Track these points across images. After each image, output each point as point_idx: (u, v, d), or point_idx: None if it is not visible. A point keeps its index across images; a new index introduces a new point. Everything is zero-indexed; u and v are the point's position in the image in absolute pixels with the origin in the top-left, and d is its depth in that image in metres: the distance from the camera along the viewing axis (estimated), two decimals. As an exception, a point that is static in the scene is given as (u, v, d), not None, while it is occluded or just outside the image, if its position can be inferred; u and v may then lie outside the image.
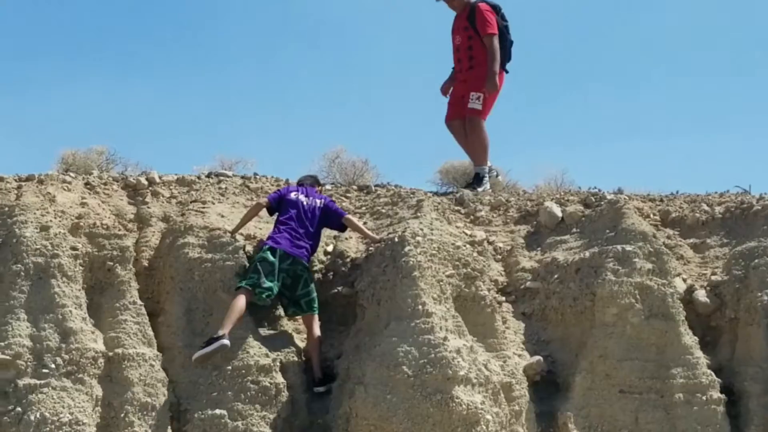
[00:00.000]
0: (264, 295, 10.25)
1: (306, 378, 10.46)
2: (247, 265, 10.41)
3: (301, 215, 10.63)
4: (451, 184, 13.26)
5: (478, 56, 12.82)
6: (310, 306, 10.52)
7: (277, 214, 10.75)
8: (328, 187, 12.18)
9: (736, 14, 36.29)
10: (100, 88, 32.69)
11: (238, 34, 36.05)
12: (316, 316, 10.56)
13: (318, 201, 10.85)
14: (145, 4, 35.52)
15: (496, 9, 12.87)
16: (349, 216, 10.99)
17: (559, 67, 35.48)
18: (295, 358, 10.41)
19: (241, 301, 10.05)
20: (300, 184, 11.14)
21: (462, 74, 12.91)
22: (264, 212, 10.90)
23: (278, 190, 11.01)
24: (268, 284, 10.24)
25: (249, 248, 10.69)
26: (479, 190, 12.57)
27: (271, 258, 10.34)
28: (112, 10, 34.60)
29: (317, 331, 10.55)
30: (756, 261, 11.22)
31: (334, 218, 10.81)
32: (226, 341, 9.86)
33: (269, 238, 10.55)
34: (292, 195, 10.77)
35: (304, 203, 10.72)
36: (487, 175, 12.84)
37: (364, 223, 11.28)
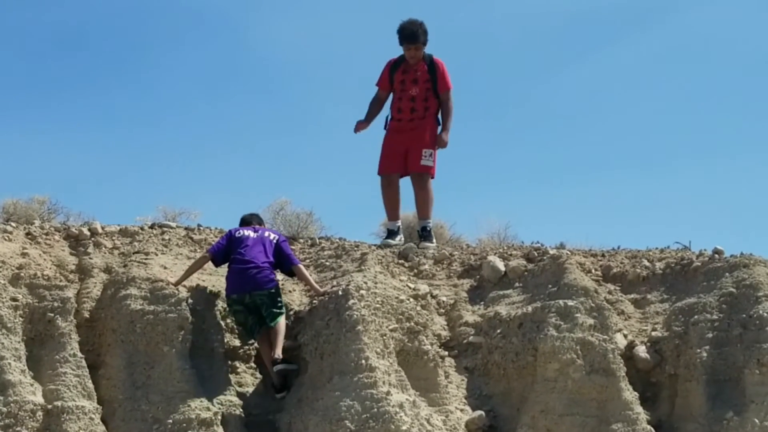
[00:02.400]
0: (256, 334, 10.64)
1: (247, 431, 10.38)
2: (190, 317, 10.36)
3: (248, 247, 10.67)
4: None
5: (432, 110, 12.87)
6: (272, 320, 10.57)
7: (229, 261, 10.76)
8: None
9: (677, 60, 36.87)
10: (42, 137, 32.47)
11: (183, 83, 36.03)
12: (281, 322, 10.62)
13: (271, 234, 10.94)
14: (85, 52, 35.48)
15: None
16: (301, 266, 10.99)
17: (500, 117, 35.80)
18: (237, 412, 10.35)
19: None
20: (246, 223, 11.14)
21: (408, 124, 12.84)
22: (209, 264, 10.88)
23: (221, 239, 10.94)
24: (251, 324, 10.60)
25: (192, 300, 10.61)
26: (433, 244, 12.60)
27: (235, 306, 10.60)
28: (51, 55, 34.52)
29: (281, 328, 10.58)
30: (695, 317, 11.27)
31: (285, 262, 10.83)
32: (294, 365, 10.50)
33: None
34: (237, 234, 10.82)
35: (252, 236, 10.78)
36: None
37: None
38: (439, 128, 12.95)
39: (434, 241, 12.77)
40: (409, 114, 12.84)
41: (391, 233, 12.77)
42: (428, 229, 12.80)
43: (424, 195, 12.83)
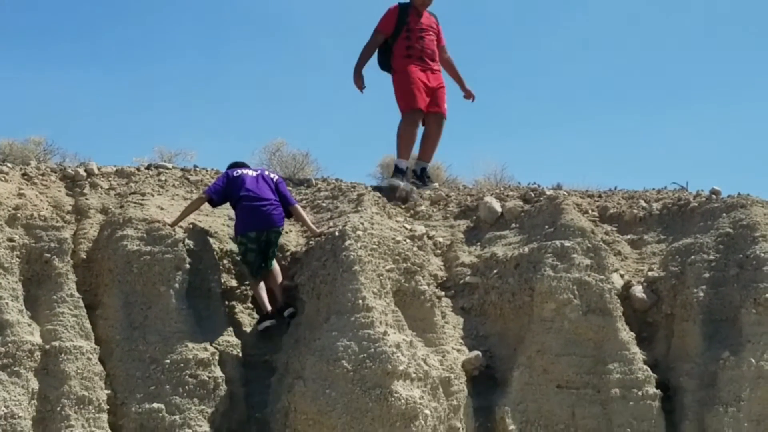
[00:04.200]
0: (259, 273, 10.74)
1: (245, 371, 10.45)
2: (187, 258, 10.36)
3: (254, 184, 10.72)
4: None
5: (438, 59, 12.96)
6: (272, 260, 10.73)
7: (228, 201, 10.80)
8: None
9: (676, 6, 36.65)
10: (38, 77, 32.47)
11: (179, 25, 35.96)
12: (275, 266, 10.78)
13: (270, 174, 10.98)
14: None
15: None
16: (298, 206, 11.02)
17: (499, 62, 35.70)
18: (234, 352, 10.40)
19: None
20: (236, 166, 11.13)
21: (430, 74, 12.87)
22: (206, 204, 10.90)
23: (219, 180, 10.92)
24: (257, 264, 10.68)
25: (189, 241, 10.60)
26: (435, 184, 12.65)
27: (251, 246, 10.59)
28: (51, 0, 34.36)
29: (277, 270, 10.74)
30: (692, 257, 11.35)
31: (283, 202, 10.83)
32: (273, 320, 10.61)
33: (237, 226, 10.73)
34: (235, 173, 10.84)
35: (252, 174, 10.83)
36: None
37: (306, 216, 11.27)
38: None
39: (432, 181, 12.86)
40: (428, 63, 12.89)
41: (400, 171, 12.71)
42: (426, 170, 12.84)
43: (437, 138, 12.95)
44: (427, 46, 12.88)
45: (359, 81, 12.99)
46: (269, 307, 10.58)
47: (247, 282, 10.86)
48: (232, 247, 10.92)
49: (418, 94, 12.73)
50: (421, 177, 12.76)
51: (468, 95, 13.24)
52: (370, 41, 12.98)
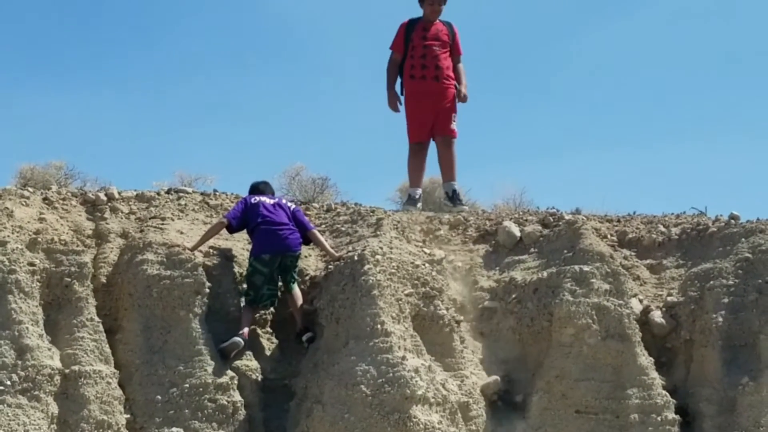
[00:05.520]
0: (268, 302, 10.66)
1: (264, 396, 10.43)
2: (206, 282, 10.37)
3: (272, 211, 10.72)
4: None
5: (451, 69, 12.92)
6: (293, 283, 10.73)
7: (246, 228, 10.80)
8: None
9: (690, 33, 36.63)
10: (59, 102, 32.61)
11: (200, 50, 36.05)
12: (296, 289, 10.75)
13: (287, 203, 11.01)
14: (107, 21, 35.46)
15: None
16: (316, 231, 11.02)
17: (517, 84, 35.73)
18: (253, 376, 10.38)
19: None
20: (258, 191, 11.15)
21: (434, 83, 12.86)
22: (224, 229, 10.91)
23: (238, 205, 10.93)
24: (268, 292, 10.56)
25: (208, 264, 10.63)
26: (466, 207, 12.70)
27: (261, 268, 10.54)
28: (72, 25, 34.52)
29: (297, 293, 10.72)
30: (711, 283, 11.30)
31: (300, 228, 10.83)
32: (238, 339, 10.35)
33: (252, 249, 10.70)
34: (253, 200, 10.84)
35: (269, 202, 10.82)
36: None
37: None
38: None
39: (464, 201, 12.86)
40: (434, 71, 12.84)
41: (413, 199, 12.81)
42: (457, 190, 12.83)
43: (451, 157, 12.97)
44: (432, 59, 12.86)
45: (393, 101, 13.06)
46: (245, 332, 10.46)
47: (264, 305, 10.78)
48: (252, 271, 10.93)
49: (412, 130, 12.91)
50: (452, 198, 12.79)
51: (463, 98, 13.15)
52: (389, 61, 13.07)
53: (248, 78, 35.59)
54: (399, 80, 13.02)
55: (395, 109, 13.03)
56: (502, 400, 10.77)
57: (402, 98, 12.98)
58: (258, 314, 10.86)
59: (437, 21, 12.92)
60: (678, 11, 36.38)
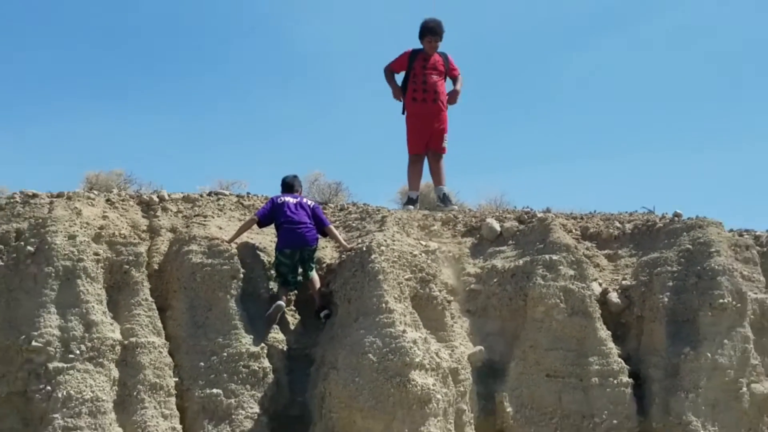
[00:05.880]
0: (293, 287, 10.68)
1: (289, 363, 10.42)
2: (240, 269, 10.35)
3: (292, 210, 10.66)
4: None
5: (445, 95, 12.84)
6: (311, 272, 10.65)
7: (273, 223, 10.76)
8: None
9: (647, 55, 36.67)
10: (120, 120, 32.74)
11: (235, 76, 36.25)
12: (315, 275, 10.68)
13: (308, 201, 10.93)
14: (159, 55, 35.73)
15: None
16: (332, 227, 10.98)
17: (500, 101, 35.96)
18: (280, 347, 10.38)
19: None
20: (288, 186, 11.12)
21: (432, 105, 12.75)
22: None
23: (265, 205, 10.90)
24: (293, 280, 10.60)
25: (242, 254, 10.58)
26: (456, 207, 12.63)
27: (284, 260, 10.52)
28: (131, 58, 34.72)
29: (316, 279, 10.67)
30: (658, 269, 11.33)
31: (319, 224, 10.78)
32: (280, 302, 10.40)
33: (277, 244, 10.66)
34: (279, 201, 10.80)
35: (292, 202, 10.75)
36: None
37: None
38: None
39: (454, 202, 12.81)
40: (433, 95, 12.79)
41: (412, 200, 12.77)
42: (446, 193, 12.83)
43: (440, 168, 12.92)
44: (430, 86, 12.75)
45: (397, 93, 12.93)
46: (283, 299, 10.46)
47: (290, 288, 10.77)
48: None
49: (412, 144, 12.84)
50: (443, 200, 12.76)
51: (453, 96, 13.06)
52: (386, 71, 12.99)
53: (275, 99, 35.86)
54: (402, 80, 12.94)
55: (399, 98, 12.94)
56: (486, 366, 10.77)
57: (402, 106, 12.93)
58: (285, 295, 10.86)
59: (435, 53, 12.90)
60: (635, 44, 36.52)
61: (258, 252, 10.85)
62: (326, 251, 11.16)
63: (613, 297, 11.30)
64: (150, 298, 10.04)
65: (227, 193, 11.94)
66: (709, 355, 10.77)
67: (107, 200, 10.88)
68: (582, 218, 12.48)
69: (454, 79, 12.99)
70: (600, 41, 37.36)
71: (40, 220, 9.90)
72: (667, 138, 36.22)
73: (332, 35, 36.49)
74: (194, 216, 10.99)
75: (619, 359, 10.79)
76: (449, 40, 12.99)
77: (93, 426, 9.19)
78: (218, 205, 11.43)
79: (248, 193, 12.08)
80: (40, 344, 9.32)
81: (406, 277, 10.43)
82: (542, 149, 35.00)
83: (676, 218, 12.04)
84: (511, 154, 34.73)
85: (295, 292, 10.81)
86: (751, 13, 35.74)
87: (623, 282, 11.49)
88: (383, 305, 9.98)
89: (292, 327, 10.68)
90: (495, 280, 11.13)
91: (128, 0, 34.67)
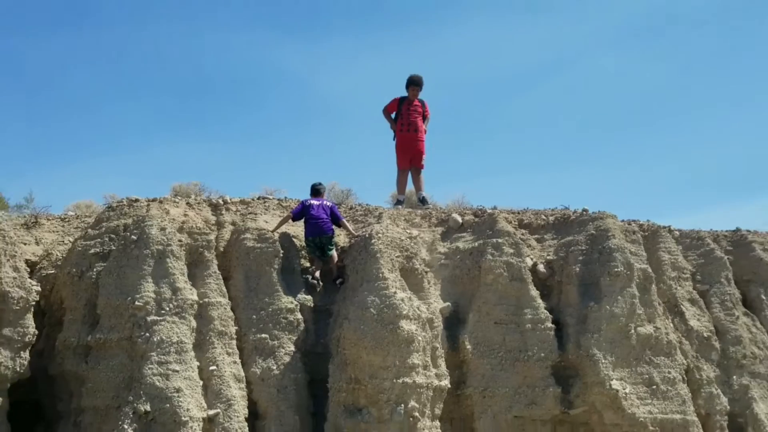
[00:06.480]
0: (320, 263, 10.56)
1: (314, 315, 10.36)
2: (280, 250, 10.34)
3: (315, 211, 10.64)
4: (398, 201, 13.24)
5: (423, 128, 12.87)
6: (329, 252, 10.60)
7: (303, 219, 10.72)
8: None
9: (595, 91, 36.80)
10: (197, 145, 32.90)
11: (279, 114, 36.47)
12: (333, 254, 10.59)
13: (327, 203, 10.89)
14: (225, 97, 35.95)
15: None
16: (344, 220, 10.97)
17: (461, 128, 36.13)
18: (309, 304, 10.32)
19: None
20: (315, 190, 11.10)
21: (414, 134, 12.71)
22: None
23: (297, 206, 10.89)
24: (319, 256, 10.56)
25: (282, 240, 10.55)
26: (430, 206, 12.59)
27: (310, 245, 10.54)
28: (208, 98, 34.90)
29: (335, 256, 10.60)
30: (572, 248, 11.31)
31: (334, 219, 10.77)
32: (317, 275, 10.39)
33: (305, 234, 10.63)
34: (307, 203, 10.76)
35: (315, 204, 10.73)
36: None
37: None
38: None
39: (429, 203, 12.83)
40: (414, 128, 12.75)
41: (399, 202, 12.72)
42: (424, 197, 12.84)
43: (420, 179, 12.83)
44: (413, 122, 12.76)
45: (391, 123, 12.92)
46: (318, 272, 10.49)
47: (319, 262, 10.69)
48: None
49: (400, 161, 12.77)
50: (422, 201, 12.71)
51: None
52: (384, 111, 12.93)
53: (306, 132, 36.00)
54: (393, 117, 12.94)
55: (393, 129, 12.88)
56: (452, 317, 10.75)
57: (393, 135, 12.95)
58: (310, 269, 10.80)
59: (416, 99, 13.00)
60: (563, 87, 36.62)
61: (292, 239, 10.83)
62: (341, 238, 11.14)
63: (541, 268, 11.29)
64: (217, 271, 10.03)
65: (271, 197, 11.90)
66: (608, 307, 10.78)
67: (187, 203, 10.88)
68: (518, 213, 12.36)
69: (425, 119, 12.97)
70: (539, 85, 37.51)
71: (140, 217, 9.93)
72: (580, 157, 36.40)
73: (346, 84, 36.68)
74: (248, 214, 10.97)
75: (545, 311, 10.77)
76: (429, 84, 13.03)
77: (178, 360, 9.19)
78: (264, 206, 11.40)
79: (285, 197, 12.06)
80: (140, 303, 9.34)
81: (396, 255, 10.41)
82: (491, 164, 35.25)
83: (585, 212, 11.99)
84: (469, 168, 34.97)
85: (320, 265, 10.81)
86: (643, 70, 35.97)
87: (547, 257, 11.45)
88: (380, 275, 9.96)
89: (317, 290, 10.65)
90: (458, 257, 11.09)
91: (200, 62, 34.88)
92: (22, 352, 9.19)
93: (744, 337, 12.37)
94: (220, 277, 10.04)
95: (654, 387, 10.79)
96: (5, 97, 31.49)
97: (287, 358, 9.87)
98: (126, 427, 8.82)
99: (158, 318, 9.33)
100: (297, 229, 11.04)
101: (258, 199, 11.70)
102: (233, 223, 10.82)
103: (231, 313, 9.91)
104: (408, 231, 11.22)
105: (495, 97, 38.21)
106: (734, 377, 12.06)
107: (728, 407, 11.74)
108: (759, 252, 13.28)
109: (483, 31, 36.47)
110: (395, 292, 9.87)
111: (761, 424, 11.85)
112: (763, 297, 13.01)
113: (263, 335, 9.90)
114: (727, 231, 13.70)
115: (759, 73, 35.18)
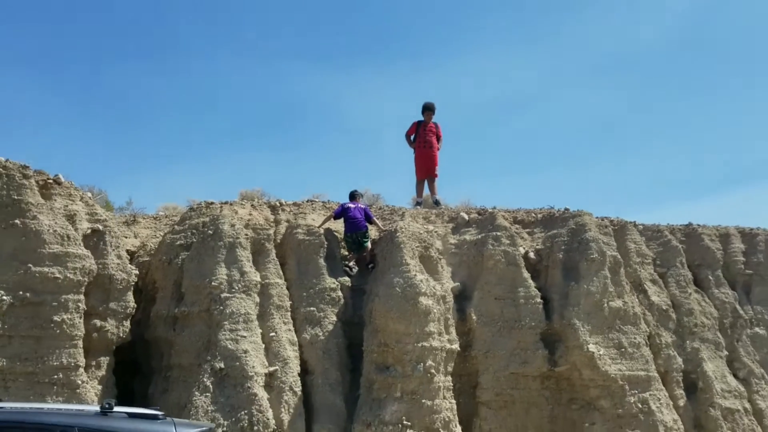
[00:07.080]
0: (356, 253, 10.54)
1: (352, 293, 10.30)
2: (326, 243, 10.32)
3: (352, 212, 10.63)
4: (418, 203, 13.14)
5: (437, 147, 12.76)
6: (365, 245, 10.56)
7: (342, 218, 10.71)
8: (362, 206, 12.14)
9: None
10: (259, 157, 33.12)
11: (325, 134, 36.53)
12: (368, 245, 10.56)
13: (361, 205, 10.90)
14: (285, 121, 36.18)
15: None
16: (375, 218, 10.97)
17: (464, 144, 35.99)
18: (348, 284, 10.28)
19: None
20: (352, 195, 11.05)
21: (429, 151, 12.60)
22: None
23: (338, 208, 10.88)
24: (355, 248, 10.55)
25: (326, 234, 10.53)
26: (442, 206, 12.51)
27: (348, 239, 10.54)
28: (268, 121, 34.96)
29: (368, 247, 10.55)
30: (556, 240, 11.21)
31: (367, 218, 10.77)
32: (352, 263, 10.38)
33: (344, 230, 10.62)
34: (346, 206, 10.77)
35: (352, 207, 10.72)
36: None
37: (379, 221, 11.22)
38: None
39: (442, 204, 12.73)
40: (430, 145, 12.67)
41: (418, 203, 12.66)
42: (438, 199, 12.77)
43: (434, 186, 12.78)
44: (428, 141, 12.66)
45: (410, 145, 12.81)
46: (353, 261, 10.48)
47: (355, 253, 10.71)
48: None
49: (418, 172, 12.70)
50: (437, 203, 12.67)
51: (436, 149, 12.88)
52: (406, 135, 12.88)
53: (341, 148, 36.02)
54: (412, 138, 12.88)
55: (412, 147, 12.78)
56: (461, 294, 10.69)
57: (413, 151, 12.88)
58: (348, 255, 10.89)
59: (431, 122, 12.89)
60: (550, 111, 36.26)
61: (335, 233, 10.82)
62: (372, 232, 11.10)
63: (531, 255, 11.21)
64: (275, 258, 10.03)
65: (317, 200, 11.99)
66: (585, 286, 10.68)
67: (251, 205, 10.94)
68: (513, 211, 12.34)
69: (438, 139, 12.89)
70: (532, 106, 37.21)
71: (215, 216, 9.97)
72: (564, 163, 36.00)
73: (374, 108, 36.65)
74: (299, 213, 10.98)
75: (535, 289, 10.70)
76: (440, 109, 13.00)
77: (246, 328, 9.23)
78: (312, 207, 11.42)
79: (329, 200, 12.13)
80: (216, 284, 9.38)
81: (416, 245, 10.36)
82: (492, 171, 35.00)
83: (566, 211, 11.89)
84: (474, 174, 34.88)
85: (356, 255, 10.78)
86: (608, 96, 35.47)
87: (537, 247, 11.37)
88: (403, 261, 9.92)
89: (353, 273, 10.67)
90: (465, 247, 11.06)
91: (264, 91, 34.98)
92: (124, 321, 9.27)
93: (695, 310, 12.27)
94: (278, 263, 10.07)
95: (623, 350, 10.71)
96: (116, 124, 31.96)
97: (330, 327, 9.89)
98: (205, 380, 8.90)
99: (229, 295, 9.39)
100: (337, 226, 11.06)
101: (307, 202, 11.72)
102: (288, 221, 10.85)
103: (286, 291, 9.93)
104: (425, 226, 11.20)
105: (495, 115, 37.92)
106: (687, 342, 12.00)
107: (683, 366, 11.67)
108: (707, 242, 13.23)
109: (483, 61, 36.20)
110: (415, 275, 9.85)
111: (709, 379, 11.77)
112: (710, 278, 13.00)
113: (311, 308, 9.91)
114: (681, 225, 13.57)
115: (702, 101, 34.50)
